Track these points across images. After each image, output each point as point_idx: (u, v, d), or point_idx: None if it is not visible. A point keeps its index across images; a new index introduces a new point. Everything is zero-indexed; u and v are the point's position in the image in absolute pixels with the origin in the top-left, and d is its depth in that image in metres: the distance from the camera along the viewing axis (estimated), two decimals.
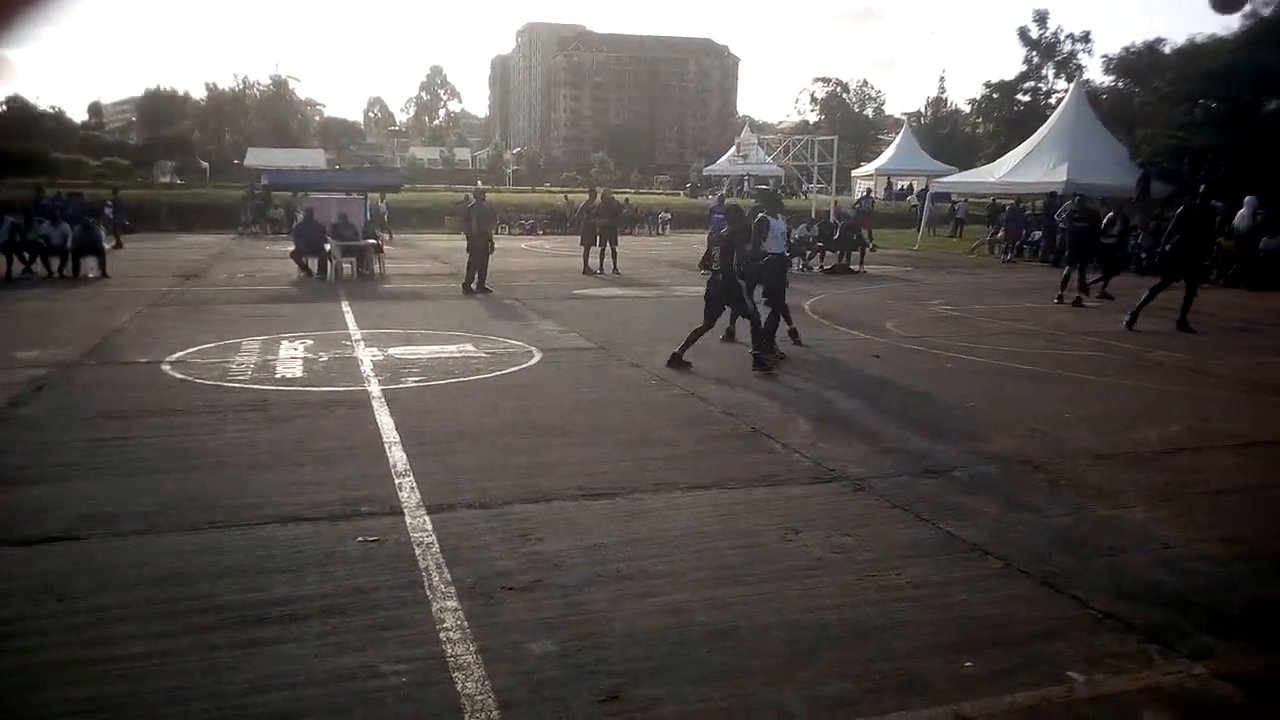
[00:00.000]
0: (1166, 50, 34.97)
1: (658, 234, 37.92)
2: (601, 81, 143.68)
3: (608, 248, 19.85)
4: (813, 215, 26.17)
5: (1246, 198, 15.79)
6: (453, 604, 3.86)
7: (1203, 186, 13.25)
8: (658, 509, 5.15)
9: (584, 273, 19.41)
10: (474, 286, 15.70)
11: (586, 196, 21.63)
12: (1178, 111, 29.07)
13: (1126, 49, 38.00)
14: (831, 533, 4.84)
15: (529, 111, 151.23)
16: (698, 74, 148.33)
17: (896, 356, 10.39)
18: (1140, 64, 35.34)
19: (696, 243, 24.56)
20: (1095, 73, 44.45)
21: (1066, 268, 16.00)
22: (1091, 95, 33.12)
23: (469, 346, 10.40)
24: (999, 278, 21.37)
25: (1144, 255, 19.66)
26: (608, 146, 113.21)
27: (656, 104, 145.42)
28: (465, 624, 3.68)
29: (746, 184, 52.38)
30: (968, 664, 3.48)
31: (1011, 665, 3.48)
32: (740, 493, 5.47)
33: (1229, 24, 35.23)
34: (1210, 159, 23.16)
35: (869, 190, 46.58)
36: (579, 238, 20.64)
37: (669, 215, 39.92)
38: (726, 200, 20.33)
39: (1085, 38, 56.96)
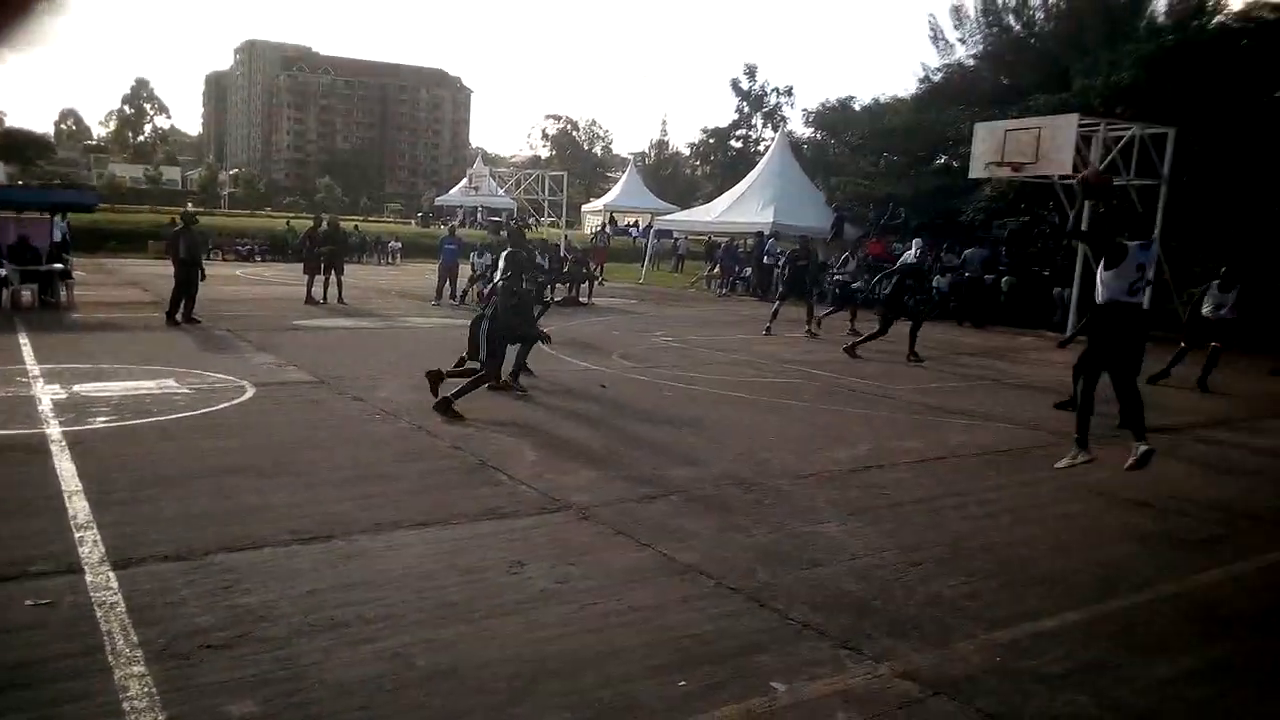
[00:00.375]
0: (856, 107, 38.89)
1: (388, 263, 36.97)
2: (328, 105, 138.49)
3: (332, 276, 19.10)
4: (543, 249, 26.55)
5: (914, 239, 17.87)
6: (139, 669, 3.51)
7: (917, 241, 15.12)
8: (377, 550, 4.98)
9: (306, 302, 18.52)
10: (179, 316, 14.52)
11: (311, 223, 20.73)
12: (865, 162, 32.34)
13: (823, 104, 41.87)
14: (556, 563, 4.90)
15: (249, 132, 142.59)
16: (429, 103, 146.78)
17: (621, 385, 10.73)
18: (834, 118, 39.05)
19: (428, 272, 24.20)
20: (797, 124, 48.62)
21: (778, 302, 17.29)
22: (794, 144, 36.18)
23: (170, 382, 9.58)
24: (715, 311, 22.68)
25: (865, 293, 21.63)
26: (335, 171, 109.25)
27: (387, 131, 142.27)
28: (154, 690, 3.36)
29: (479, 215, 52.35)
30: (682, 683, 3.64)
31: (721, 680, 3.68)
32: (465, 528, 5.41)
33: (907, 87, 39.76)
34: (891, 206, 25.97)
35: (604, 225, 47.96)
36: (302, 266, 19.71)
37: (399, 244, 39.07)
38: (457, 229, 20.19)
39: (789, 91, 62.32)
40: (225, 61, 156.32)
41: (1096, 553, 5.55)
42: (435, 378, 9.01)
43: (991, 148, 18.22)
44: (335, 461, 6.80)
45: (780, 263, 17.58)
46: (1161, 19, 27.72)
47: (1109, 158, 17.30)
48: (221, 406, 8.55)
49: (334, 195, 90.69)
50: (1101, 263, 6.97)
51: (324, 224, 20.12)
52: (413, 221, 58.96)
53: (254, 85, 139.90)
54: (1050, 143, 16.92)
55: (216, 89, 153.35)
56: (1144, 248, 6.90)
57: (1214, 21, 24.00)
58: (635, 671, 3.72)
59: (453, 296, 20.53)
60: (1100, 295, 7.02)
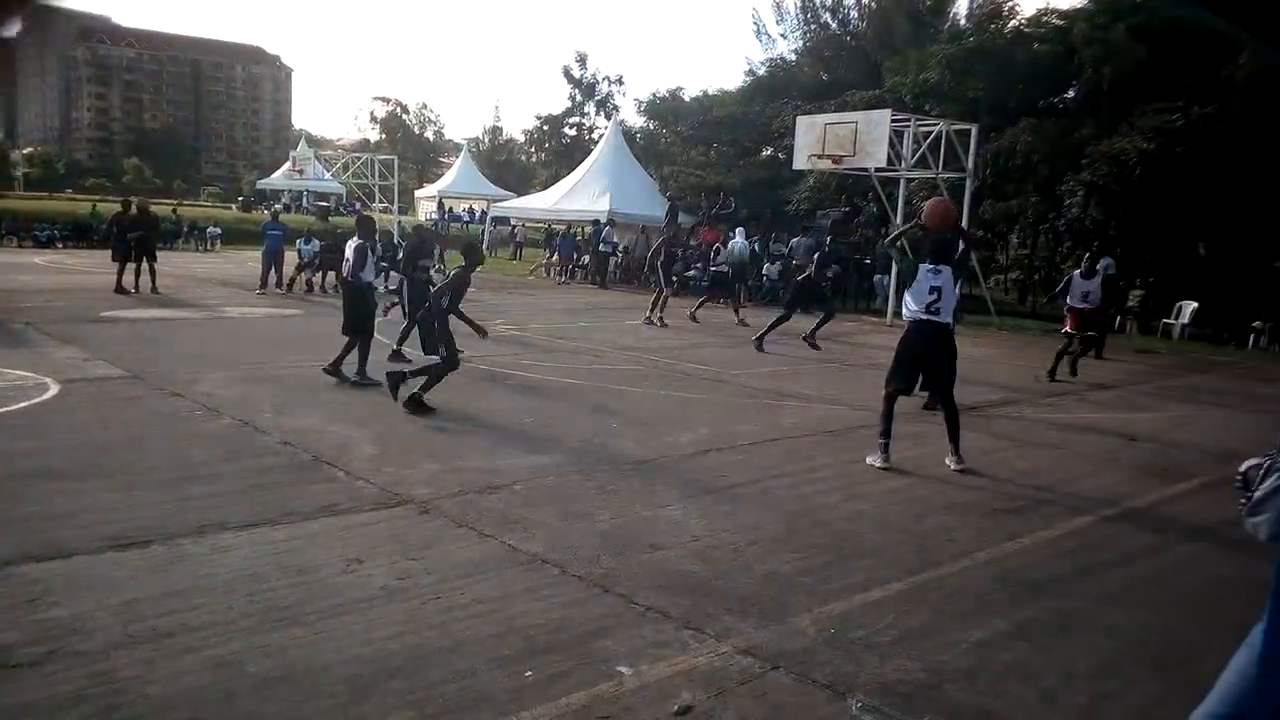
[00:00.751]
0: (686, 98, 39.68)
1: (206, 249, 34.93)
2: (134, 80, 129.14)
3: (144, 264, 17.85)
4: (377, 236, 25.77)
5: (738, 229, 18.47)
6: None
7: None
8: (202, 554, 4.72)
9: (116, 291, 17.25)
10: None
11: (119, 207, 19.30)
12: (696, 152, 33.07)
13: (654, 95, 42.51)
14: (397, 559, 4.78)
15: (44, 108, 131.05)
16: (246, 82, 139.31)
17: (461, 375, 10.54)
18: (664, 108, 39.72)
19: (250, 260, 23.00)
20: (629, 113, 49.07)
21: (666, 290, 17.14)
22: (627, 133, 36.54)
23: None
24: (554, 298, 22.64)
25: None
26: (144, 152, 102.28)
27: (201, 110, 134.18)
28: None
29: (305, 199, 50.27)
30: (527, 673, 3.63)
31: (567, 668, 3.69)
32: (298, 527, 5.20)
33: (735, 80, 40.74)
34: (722, 195, 26.67)
35: (445, 211, 46.99)
36: (110, 253, 18.33)
37: (219, 230, 36.95)
38: (280, 214, 19.27)
39: (620, 80, 62.83)
40: (11, 28, 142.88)
41: (918, 525, 5.90)
42: (394, 380, 8.56)
43: (813, 140, 18.96)
44: (153, 462, 6.38)
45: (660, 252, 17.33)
46: (963, 22, 29.64)
47: (919, 152, 18.35)
48: (20, 406, 7.86)
49: (144, 177, 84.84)
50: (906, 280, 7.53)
51: (133, 207, 18.78)
52: (233, 206, 55.89)
53: (46, 57, 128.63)
54: (866, 136, 17.77)
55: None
56: (935, 271, 7.25)
57: (1009, 26, 25.83)
58: (480, 664, 3.68)
59: (279, 285, 19.60)
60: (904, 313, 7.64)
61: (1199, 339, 18.75)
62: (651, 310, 16.98)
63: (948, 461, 7.36)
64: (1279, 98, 16.79)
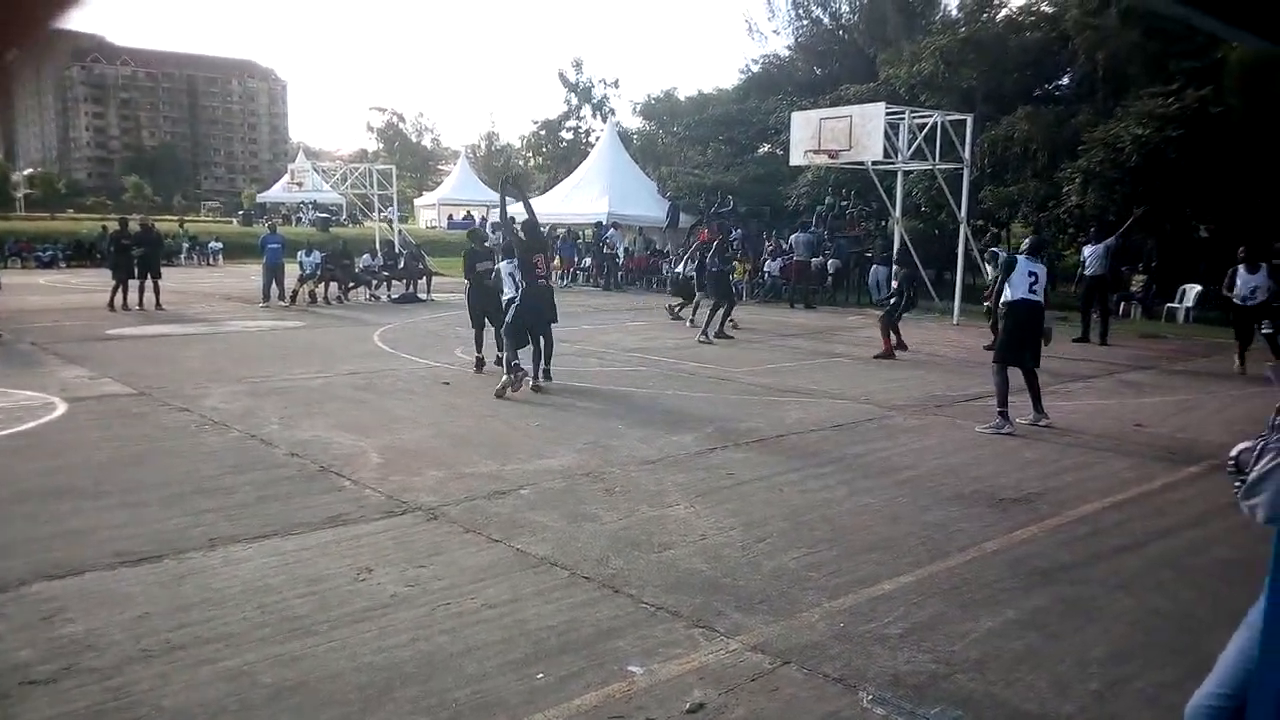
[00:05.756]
0: (681, 98, 39.67)
1: (209, 265, 35.04)
2: (130, 98, 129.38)
3: (148, 281, 17.93)
4: (376, 244, 25.87)
5: (736, 230, 18.52)
6: None
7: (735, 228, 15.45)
8: (214, 566, 4.74)
9: (109, 309, 17.32)
10: None
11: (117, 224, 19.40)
12: (693, 152, 33.05)
13: (649, 95, 42.52)
14: (406, 567, 4.80)
15: (42, 129, 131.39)
16: (242, 96, 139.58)
17: (465, 381, 10.59)
18: (661, 109, 39.73)
19: (252, 274, 23.06)
20: (625, 115, 48.96)
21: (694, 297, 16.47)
22: (623, 135, 36.54)
23: None
24: (558, 302, 22.60)
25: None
26: (143, 169, 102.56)
27: (198, 125, 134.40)
28: None
29: (306, 211, 50.34)
30: (539, 675, 3.64)
31: (578, 669, 3.71)
32: (308, 537, 5.22)
33: (730, 79, 40.81)
34: (720, 194, 26.67)
35: (449, 217, 47.08)
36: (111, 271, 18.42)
37: (221, 245, 37.05)
38: (279, 226, 19.35)
39: (615, 83, 62.90)
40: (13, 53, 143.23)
41: (925, 516, 5.90)
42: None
43: (808, 135, 18.93)
44: (162, 477, 6.41)
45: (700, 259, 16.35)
46: (954, 13, 29.61)
47: (916, 144, 18.32)
48: (30, 425, 7.91)
49: (144, 194, 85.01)
50: None
51: (129, 225, 18.85)
52: (234, 220, 55.98)
53: (43, 78, 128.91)
54: (861, 130, 17.75)
55: None
56: (1034, 261, 8.74)
57: (1000, 15, 25.77)
58: (492, 668, 3.70)
59: (281, 297, 19.65)
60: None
61: (1203, 321, 18.69)
62: (708, 324, 14.57)
63: (1028, 419, 8.57)
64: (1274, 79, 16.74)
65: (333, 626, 4.05)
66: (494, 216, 36.42)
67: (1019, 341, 8.58)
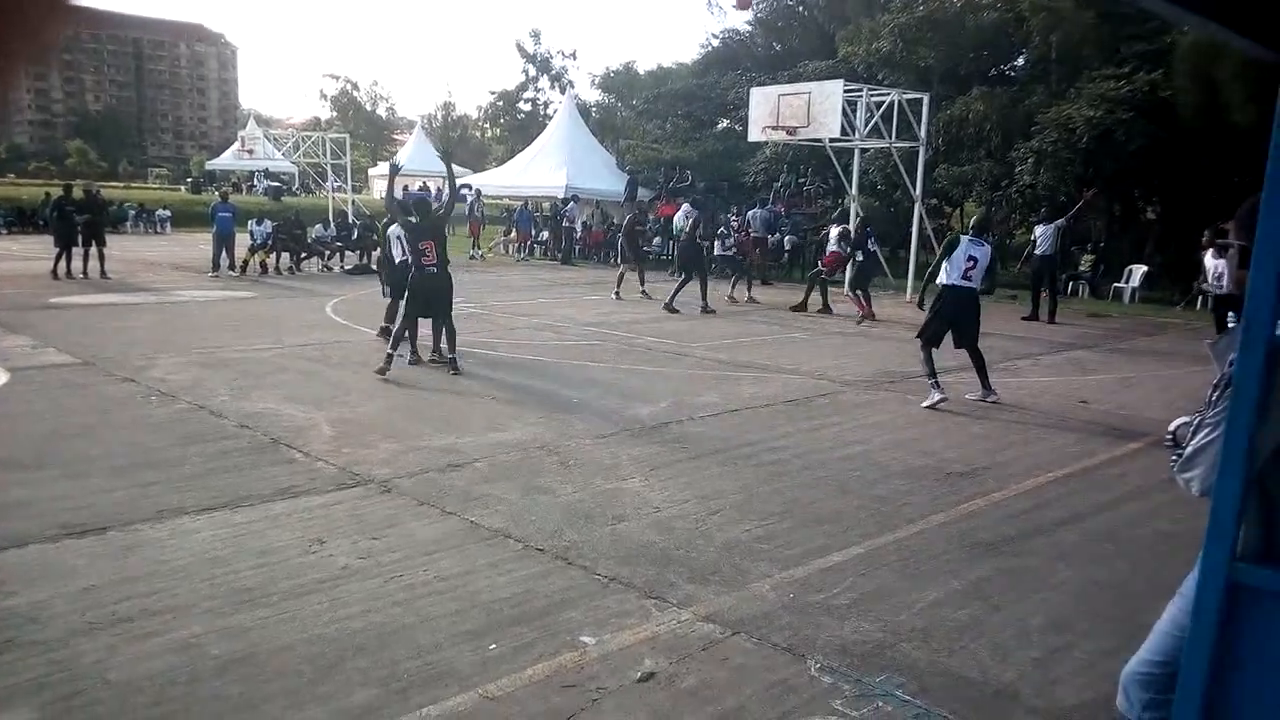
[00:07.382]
0: (641, 72, 39.47)
1: (156, 233, 34.24)
2: (73, 60, 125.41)
3: (93, 249, 17.49)
4: (330, 215, 25.47)
5: (684, 205, 18.43)
6: None
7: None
8: (161, 539, 4.68)
9: (53, 277, 16.89)
10: None
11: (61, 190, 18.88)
12: (652, 126, 32.92)
13: (608, 69, 42.29)
14: (358, 539, 4.78)
15: None
16: (191, 61, 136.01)
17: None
18: (619, 82, 39.50)
19: (202, 243, 22.59)
20: (584, 87, 48.63)
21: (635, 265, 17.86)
22: (582, 108, 36.27)
23: None
24: (514, 276, 22.53)
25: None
26: (87, 134, 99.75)
27: (145, 90, 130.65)
28: None
29: (257, 179, 49.34)
30: (491, 646, 3.66)
31: (531, 640, 3.73)
32: (258, 509, 5.17)
33: (689, 53, 40.59)
34: (679, 169, 26.61)
35: (405, 188, 46.31)
36: (53, 238, 17.93)
37: (169, 213, 36.19)
38: (230, 195, 18.97)
39: (574, 55, 62.46)
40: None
41: (875, 489, 6.00)
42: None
43: (767, 112, 18.93)
44: (108, 448, 6.29)
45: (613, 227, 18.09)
46: None
47: (873, 121, 18.42)
48: None
49: (88, 160, 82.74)
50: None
51: (73, 190, 18.35)
52: (182, 188, 54.69)
53: None
54: (819, 107, 17.78)
55: None
56: (978, 244, 8.51)
57: None
58: (444, 639, 3.70)
59: (231, 267, 19.28)
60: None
61: (1149, 301, 19.12)
62: (619, 285, 17.22)
63: (977, 395, 8.69)
64: (1220, 67, 17.06)
65: (283, 598, 4.03)
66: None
67: (942, 323, 8.55)
